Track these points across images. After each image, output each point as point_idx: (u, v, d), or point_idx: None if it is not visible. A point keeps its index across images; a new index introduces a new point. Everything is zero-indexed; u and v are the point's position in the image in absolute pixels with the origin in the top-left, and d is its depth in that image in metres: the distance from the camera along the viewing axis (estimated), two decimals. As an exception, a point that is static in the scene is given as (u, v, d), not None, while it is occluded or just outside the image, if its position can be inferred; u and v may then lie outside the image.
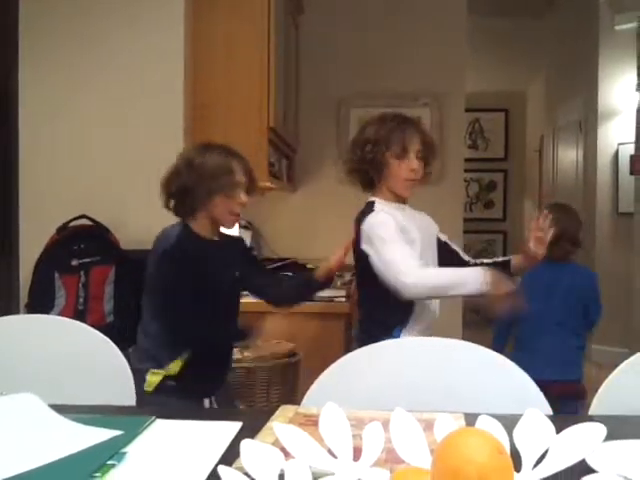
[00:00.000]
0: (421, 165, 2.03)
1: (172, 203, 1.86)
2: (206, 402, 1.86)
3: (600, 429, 0.81)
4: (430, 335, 1.91)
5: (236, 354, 2.17)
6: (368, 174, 2.08)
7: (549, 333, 2.71)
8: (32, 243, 2.64)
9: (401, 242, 1.90)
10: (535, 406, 0.98)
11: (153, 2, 2.75)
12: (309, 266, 3.24)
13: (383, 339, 2.02)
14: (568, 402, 2.45)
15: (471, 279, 1.81)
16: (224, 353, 1.94)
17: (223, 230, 1.97)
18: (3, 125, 2.77)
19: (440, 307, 2.09)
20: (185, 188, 1.81)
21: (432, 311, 2.05)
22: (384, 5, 4.06)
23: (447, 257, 2.08)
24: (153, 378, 1.78)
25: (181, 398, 1.74)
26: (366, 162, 2.06)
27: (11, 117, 2.75)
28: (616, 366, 1.17)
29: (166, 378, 1.79)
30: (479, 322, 3.50)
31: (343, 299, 2.87)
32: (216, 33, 2.88)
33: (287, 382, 2.46)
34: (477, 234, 7.67)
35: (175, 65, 2.75)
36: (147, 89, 2.75)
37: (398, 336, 1.99)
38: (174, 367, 1.78)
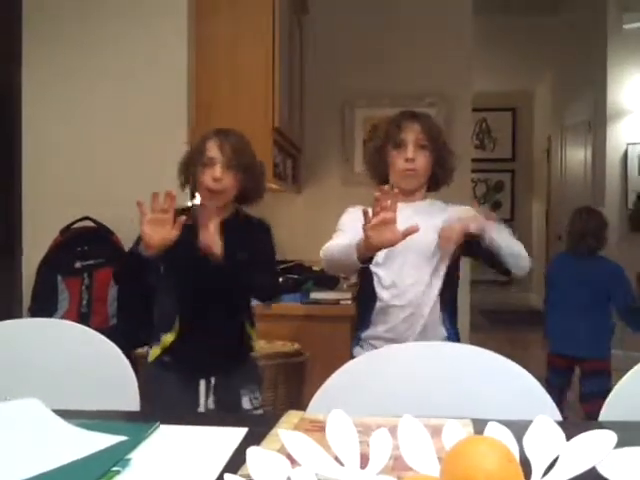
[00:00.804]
0: (424, 156, 1.98)
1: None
2: (202, 384, 1.89)
3: (611, 436, 0.79)
4: (408, 334, 1.94)
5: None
6: (385, 172, 2.05)
7: (578, 317, 3.21)
8: (35, 245, 2.64)
9: (342, 231, 1.99)
10: (544, 411, 0.97)
11: (156, 4, 2.75)
12: (315, 268, 3.23)
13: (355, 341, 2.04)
14: (597, 378, 3.07)
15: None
16: (211, 331, 1.92)
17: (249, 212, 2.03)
18: (6, 127, 2.77)
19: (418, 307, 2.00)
20: (180, 166, 1.99)
21: (400, 307, 1.97)
22: (389, 5, 4.05)
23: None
24: (153, 351, 1.92)
25: (177, 372, 1.87)
26: (375, 160, 2.05)
27: (14, 119, 2.75)
28: (627, 370, 1.16)
29: (163, 352, 1.90)
30: (486, 325, 3.55)
31: (349, 301, 2.86)
32: (220, 33, 2.88)
33: (294, 381, 2.46)
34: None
35: (179, 66, 2.75)
36: (150, 91, 2.74)
37: (360, 337, 2.02)
38: (165, 340, 1.89)
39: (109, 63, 2.76)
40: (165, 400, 1.84)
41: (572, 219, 3.39)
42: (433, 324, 1.97)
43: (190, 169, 1.95)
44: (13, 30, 2.73)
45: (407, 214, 1.86)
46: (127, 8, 2.76)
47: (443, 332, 1.97)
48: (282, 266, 3.16)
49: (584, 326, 3.20)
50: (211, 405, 1.91)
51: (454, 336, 1.98)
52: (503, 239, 1.89)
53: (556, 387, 3.19)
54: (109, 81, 2.76)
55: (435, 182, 2.06)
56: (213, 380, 1.91)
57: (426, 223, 1.88)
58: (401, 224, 1.74)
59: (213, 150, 1.89)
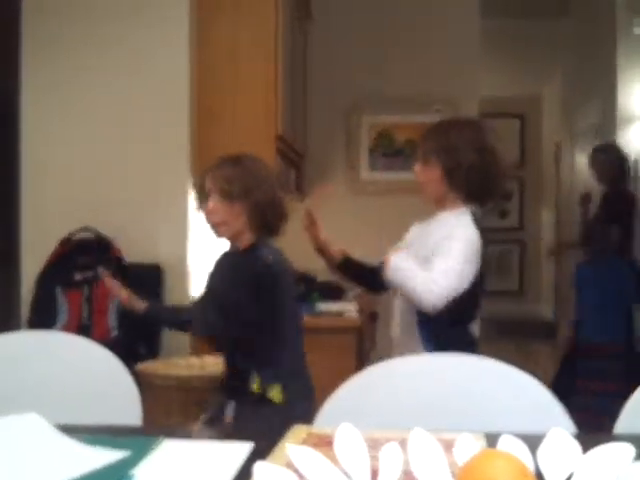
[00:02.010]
0: (428, 170, 1.95)
1: None
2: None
3: (629, 449, 0.77)
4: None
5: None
6: None
7: (608, 308, 3.56)
8: (34, 256, 2.63)
9: None
10: (557, 424, 0.95)
11: (157, 9, 2.75)
12: (319, 279, 3.21)
13: None
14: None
15: None
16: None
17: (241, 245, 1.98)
18: (6, 138, 2.77)
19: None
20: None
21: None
22: (394, 10, 4.04)
23: None
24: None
25: None
26: None
27: (14, 130, 2.75)
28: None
29: None
30: (496, 336, 3.54)
31: (354, 313, 2.83)
32: (222, 40, 2.87)
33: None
34: (492, 244, 7.58)
35: (180, 74, 2.74)
36: (152, 99, 2.74)
37: None
38: None
39: (109, 73, 2.76)
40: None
41: None
42: (408, 342, 1.94)
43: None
44: (12, 33, 2.73)
45: (418, 230, 2.00)
46: (128, 14, 2.76)
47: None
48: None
49: None
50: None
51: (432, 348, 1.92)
52: (397, 279, 1.84)
53: None
54: (109, 91, 2.76)
55: (470, 195, 1.96)
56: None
57: (420, 240, 1.94)
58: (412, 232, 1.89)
59: (208, 182, 1.89)
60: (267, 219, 1.92)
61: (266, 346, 1.90)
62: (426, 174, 1.96)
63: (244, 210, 1.87)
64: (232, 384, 1.95)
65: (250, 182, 1.88)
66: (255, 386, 1.88)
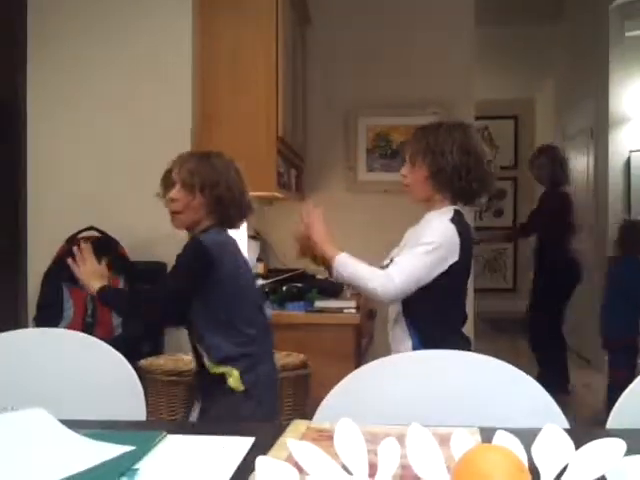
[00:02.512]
0: (414, 171, 2.00)
1: None
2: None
3: (620, 444, 0.79)
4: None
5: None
6: None
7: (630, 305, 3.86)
8: (40, 255, 2.65)
9: None
10: (551, 419, 0.97)
11: (160, 13, 2.76)
12: (318, 276, 3.23)
13: None
14: None
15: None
16: None
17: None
18: (11, 137, 2.78)
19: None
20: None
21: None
22: (391, 15, 4.07)
23: None
24: None
25: None
26: None
27: (19, 130, 2.76)
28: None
29: None
30: (490, 333, 3.53)
31: (353, 310, 2.85)
32: (223, 43, 2.89)
33: (298, 394, 2.44)
34: (486, 243, 7.62)
35: (182, 76, 2.76)
36: (154, 101, 2.76)
37: None
38: None
39: (112, 75, 2.78)
40: None
41: None
42: (398, 335, 1.98)
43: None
44: (18, 31, 2.74)
45: (411, 232, 2.04)
46: (131, 20, 2.78)
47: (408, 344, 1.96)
48: (286, 275, 3.15)
49: None
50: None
51: (420, 345, 1.95)
52: (345, 273, 1.90)
53: None
54: (112, 93, 2.78)
55: (456, 196, 2.00)
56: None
57: (410, 241, 1.99)
58: (405, 241, 1.99)
59: (174, 172, 1.97)
60: (228, 215, 1.99)
61: (207, 328, 1.95)
62: (413, 175, 2.01)
63: (203, 203, 1.94)
64: (197, 372, 2.04)
65: (213, 178, 1.94)
66: (210, 367, 1.94)
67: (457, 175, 1.95)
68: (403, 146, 2.16)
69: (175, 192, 1.94)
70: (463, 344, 1.96)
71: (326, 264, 1.98)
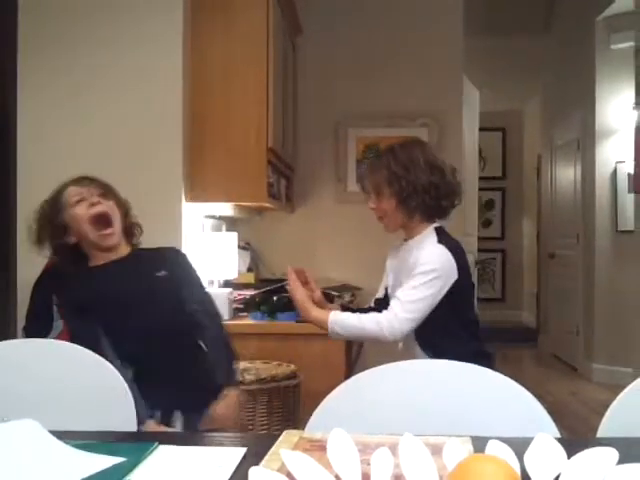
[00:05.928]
0: (382, 200, 1.96)
1: None
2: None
3: (612, 453, 0.79)
4: None
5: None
6: None
7: None
8: (30, 265, 2.62)
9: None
10: (542, 428, 0.97)
11: (152, 23, 2.77)
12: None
13: None
14: None
15: None
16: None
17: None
18: (1, 141, 2.76)
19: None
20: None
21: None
22: (381, 26, 4.10)
23: None
24: None
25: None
26: None
27: (9, 134, 2.75)
28: (619, 385, 1.16)
29: None
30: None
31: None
32: (214, 54, 2.89)
33: (288, 405, 2.43)
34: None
35: (173, 86, 2.76)
36: (145, 110, 2.75)
37: None
38: None
39: (103, 81, 2.77)
40: None
41: None
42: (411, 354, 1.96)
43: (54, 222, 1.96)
44: (8, 33, 2.73)
45: (396, 259, 2.04)
46: (122, 30, 2.78)
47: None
48: (276, 285, 3.15)
49: None
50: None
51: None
52: (343, 331, 1.91)
53: None
54: (104, 98, 2.77)
55: (429, 214, 1.97)
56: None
57: (400, 266, 1.97)
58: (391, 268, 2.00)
59: (80, 191, 1.97)
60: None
61: None
62: (381, 206, 1.97)
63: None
64: None
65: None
66: None
67: (427, 195, 1.92)
68: (362, 181, 2.11)
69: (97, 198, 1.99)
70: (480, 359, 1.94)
71: (319, 326, 1.95)
